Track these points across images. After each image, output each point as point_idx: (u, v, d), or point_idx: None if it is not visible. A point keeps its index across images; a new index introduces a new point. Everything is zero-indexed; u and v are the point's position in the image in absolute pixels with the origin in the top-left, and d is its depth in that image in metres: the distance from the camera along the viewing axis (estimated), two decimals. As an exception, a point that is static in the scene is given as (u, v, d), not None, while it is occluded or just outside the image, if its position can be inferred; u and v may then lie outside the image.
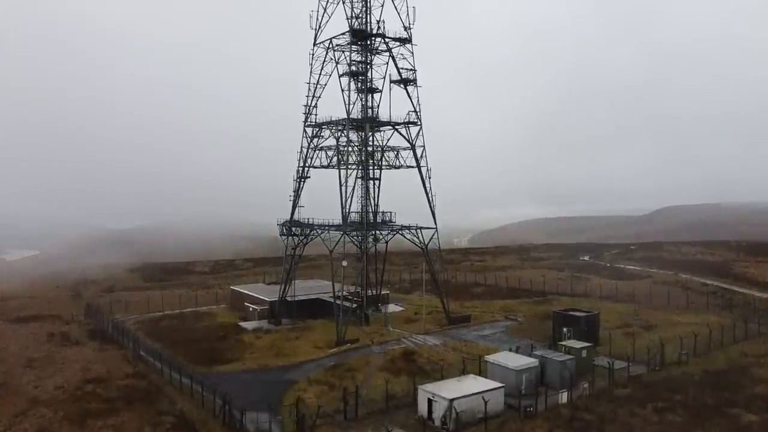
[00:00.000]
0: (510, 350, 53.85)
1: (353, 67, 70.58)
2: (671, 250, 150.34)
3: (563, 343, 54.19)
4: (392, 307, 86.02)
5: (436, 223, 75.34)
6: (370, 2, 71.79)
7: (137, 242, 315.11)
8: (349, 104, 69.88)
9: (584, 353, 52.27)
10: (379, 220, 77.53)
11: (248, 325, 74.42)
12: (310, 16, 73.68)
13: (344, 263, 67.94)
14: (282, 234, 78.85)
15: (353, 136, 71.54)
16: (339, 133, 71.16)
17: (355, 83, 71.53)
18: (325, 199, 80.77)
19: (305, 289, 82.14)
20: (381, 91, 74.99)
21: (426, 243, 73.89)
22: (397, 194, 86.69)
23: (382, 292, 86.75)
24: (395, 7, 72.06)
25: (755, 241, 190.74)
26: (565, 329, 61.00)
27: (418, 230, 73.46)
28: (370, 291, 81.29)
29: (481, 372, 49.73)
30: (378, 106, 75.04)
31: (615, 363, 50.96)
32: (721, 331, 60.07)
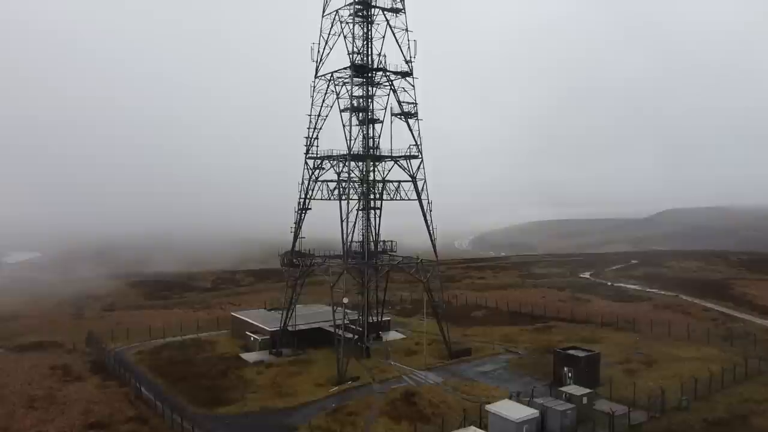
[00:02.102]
0: (510, 397, 53.93)
1: (354, 102, 70.62)
2: (672, 266, 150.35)
3: (564, 389, 54.19)
4: (393, 335, 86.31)
5: (436, 255, 75.66)
6: (371, 35, 71.85)
7: (140, 246, 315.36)
8: (350, 140, 69.88)
9: (585, 400, 52.31)
10: (380, 248, 77.88)
11: (249, 357, 74.56)
12: (312, 49, 73.75)
13: (345, 300, 68.05)
14: (283, 264, 79.26)
15: (355, 171, 71.41)
16: (340, 168, 71.19)
17: (356, 117, 71.58)
18: (326, 220, 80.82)
19: (306, 317, 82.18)
20: (382, 122, 75.19)
21: (427, 276, 74.09)
22: (401, 215, 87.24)
23: (383, 319, 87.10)
24: (396, 41, 72.03)
25: (754, 252, 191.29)
26: (565, 368, 61.10)
27: (419, 264, 73.73)
28: (371, 317, 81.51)
29: (482, 419, 49.85)
30: (379, 136, 75.20)
31: (615, 409, 51.00)
32: (721, 372, 59.98)
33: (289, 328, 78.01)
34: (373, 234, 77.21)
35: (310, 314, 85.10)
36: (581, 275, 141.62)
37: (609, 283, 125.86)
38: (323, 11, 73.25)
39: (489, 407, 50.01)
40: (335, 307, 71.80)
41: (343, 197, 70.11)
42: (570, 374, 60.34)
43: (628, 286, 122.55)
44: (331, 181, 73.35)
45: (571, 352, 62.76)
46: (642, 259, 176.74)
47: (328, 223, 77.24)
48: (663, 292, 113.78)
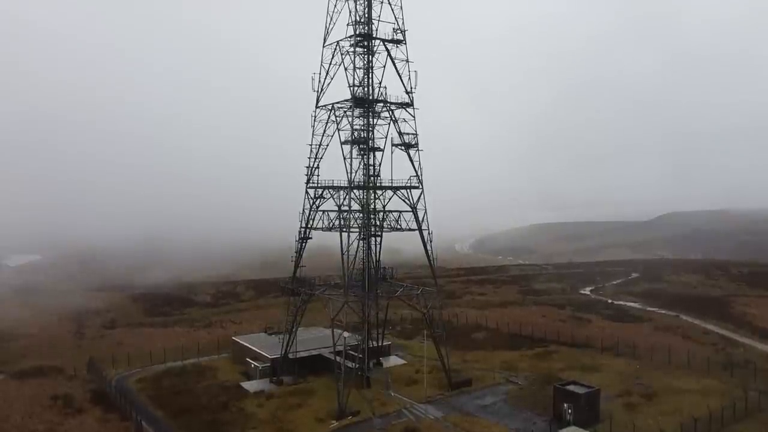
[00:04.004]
0: (511, 439, 54.08)
1: (355, 134, 70.65)
2: (672, 280, 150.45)
3: (563, 431, 54.34)
4: (393, 360, 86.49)
5: (437, 284, 75.90)
6: (371, 66, 71.82)
7: (142, 251, 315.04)
8: (350, 172, 69.98)
9: (585, 443, 52.48)
10: (380, 275, 78.06)
11: (250, 386, 74.72)
12: (312, 79, 73.80)
13: (346, 334, 68.20)
14: (284, 286, 79.82)
15: (355, 202, 71.43)
16: (341, 199, 71.29)
17: (356, 150, 71.59)
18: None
19: (306, 342, 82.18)
20: (383, 150, 75.23)
21: (428, 306, 74.24)
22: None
23: (384, 343, 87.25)
24: (397, 71, 72.12)
25: (755, 263, 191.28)
26: (565, 405, 61.15)
27: (420, 294, 73.95)
28: (371, 342, 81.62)
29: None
30: (380, 164, 75.24)
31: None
32: (721, 410, 59.98)
33: (290, 355, 78.21)
34: (374, 261, 77.24)
35: (310, 339, 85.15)
36: (581, 291, 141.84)
37: (609, 301, 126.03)
38: (324, 42, 73.30)
39: (489, 452, 50.15)
40: (335, 334, 71.88)
41: (344, 229, 70.23)
42: (570, 411, 60.40)
43: (628, 304, 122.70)
44: (332, 211, 73.47)
45: (570, 387, 62.79)
46: (642, 270, 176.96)
47: (328, 233, 77.43)
48: (663, 311, 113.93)
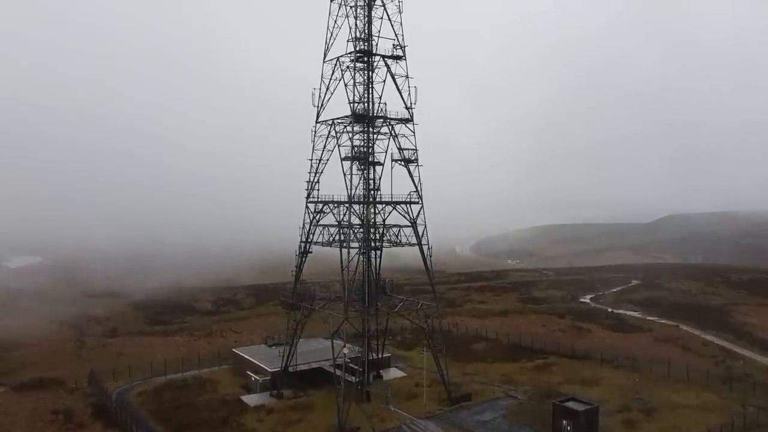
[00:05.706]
0: (510, 459, 54.30)
1: (355, 150, 70.85)
2: (672, 287, 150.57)
3: (563, 451, 54.61)
4: (393, 372, 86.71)
5: (436, 299, 76.13)
6: (371, 82, 72.02)
7: (142, 254, 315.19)
8: (350, 188, 70.20)
9: (583, 463, 52.67)
10: (380, 288, 78.27)
11: (250, 400, 74.96)
12: (312, 94, 74.02)
13: (345, 350, 68.44)
14: (284, 300, 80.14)
15: (355, 217, 71.68)
16: (341, 215, 71.52)
17: (356, 166, 71.78)
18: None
19: (306, 354, 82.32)
20: (383, 164, 75.41)
21: (428, 319, 74.47)
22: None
23: (384, 355, 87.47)
24: (397, 87, 72.29)
25: (756, 269, 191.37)
26: (564, 422, 61.39)
27: (420, 309, 74.18)
28: (371, 354, 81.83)
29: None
30: (380, 178, 75.43)
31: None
32: (720, 429, 60.19)
33: (290, 369, 78.44)
34: (374, 275, 77.42)
35: (310, 351, 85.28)
36: (581, 299, 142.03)
37: (609, 310, 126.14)
38: (324, 57, 73.51)
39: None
40: (335, 347, 72.09)
41: (344, 245, 70.44)
42: (569, 428, 60.62)
43: (628, 313, 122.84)
44: (332, 225, 73.65)
45: (569, 404, 62.98)
46: (642, 277, 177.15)
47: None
48: (663, 321, 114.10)
